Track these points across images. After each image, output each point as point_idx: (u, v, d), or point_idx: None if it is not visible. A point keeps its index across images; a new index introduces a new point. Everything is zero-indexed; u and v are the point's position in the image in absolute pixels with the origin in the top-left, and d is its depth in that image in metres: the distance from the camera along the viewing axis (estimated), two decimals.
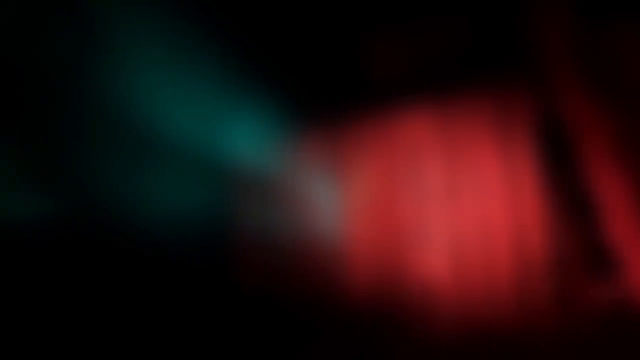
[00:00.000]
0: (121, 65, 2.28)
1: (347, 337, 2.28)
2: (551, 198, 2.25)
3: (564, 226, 2.24)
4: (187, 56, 2.32)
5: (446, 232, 2.27)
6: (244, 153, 2.37)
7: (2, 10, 2.22)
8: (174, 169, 2.33)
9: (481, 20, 2.35)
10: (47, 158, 2.27)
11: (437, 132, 2.33)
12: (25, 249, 2.26)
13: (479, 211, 2.26)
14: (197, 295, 2.32)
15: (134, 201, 2.27)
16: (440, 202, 2.29)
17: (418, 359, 2.23)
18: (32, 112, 2.26)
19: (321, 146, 2.38)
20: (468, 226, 2.26)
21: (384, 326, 2.27)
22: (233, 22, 2.35)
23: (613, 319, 2.18)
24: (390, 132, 2.35)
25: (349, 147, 2.37)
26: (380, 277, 2.29)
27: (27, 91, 2.25)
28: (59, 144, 2.27)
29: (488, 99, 2.31)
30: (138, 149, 2.30)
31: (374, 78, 2.40)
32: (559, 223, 2.24)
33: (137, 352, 2.25)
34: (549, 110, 2.27)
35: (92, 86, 2.26)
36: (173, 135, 2.31)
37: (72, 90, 2.27)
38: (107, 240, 2.27)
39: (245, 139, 2.36)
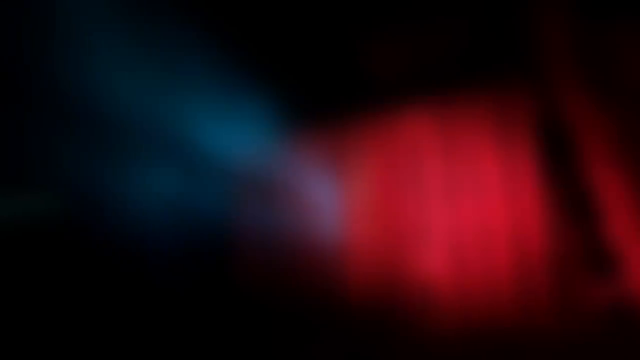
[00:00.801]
0: (120, 65, 2.28)
1: (347, 337, 2.28)
2: (551, 198, 2.25)
3: (564, 226, 2.24)
4: (186, 56, 2.32)
5: (446, 231, 2.27)
6: (243, 153, 2.37)
7: None
8: (174, 169, 2.33)
9: (481, 21, 2.36)
10: (43, 156, 2.27)
11: (437, 132, 2.33)
12: (25, 249, 2.26)
13: (479, 211, 2.26)
14: (196, 295, 2.32)
15: (133, 201, 2.27)
16: (440, 201, 2.29)
17: (418, 359, 2.23)
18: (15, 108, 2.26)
19: (321, 146, 2.38)
20: (468, 226, 2.26)
21: (384, 326, 2.27)
22: (233, 22, 2.36)
23: (613, 319, 2.18)
24: (390, 132, 2.35)
25: (348, 147, 2.37)
26: (380, 277, 2.29)
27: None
28: (53, 142, 2.27)
29: (488, 99, 2.31)
30: (137, 149, 2.31)
31: (374, 78, 2.40)
32: (559, 223, 2.24)
33: (137, 352, 2.25)
34: (548, 110, 2.28)
35: (88, 85, 2.26)
36: (173, 135, 2.31)
37: (71, 89, 2.27)
38: (105, 240, 2.28)
39: (245, 139, 2.36)
